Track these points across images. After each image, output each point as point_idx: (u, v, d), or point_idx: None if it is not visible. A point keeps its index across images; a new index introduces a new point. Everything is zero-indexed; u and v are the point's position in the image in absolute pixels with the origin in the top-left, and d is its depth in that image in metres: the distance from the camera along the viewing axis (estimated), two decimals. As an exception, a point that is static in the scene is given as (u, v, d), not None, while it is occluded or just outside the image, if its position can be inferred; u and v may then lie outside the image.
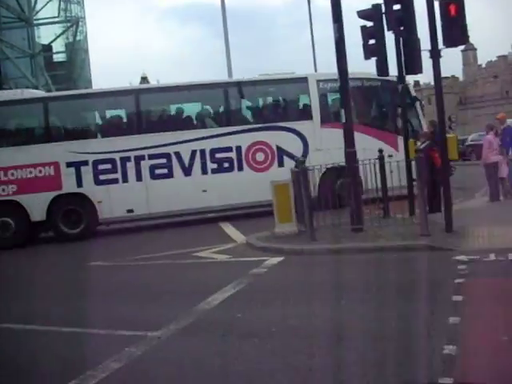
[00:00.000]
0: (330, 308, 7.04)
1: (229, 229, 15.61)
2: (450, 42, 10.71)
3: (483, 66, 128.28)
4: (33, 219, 15.86)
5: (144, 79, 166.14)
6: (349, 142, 11.74)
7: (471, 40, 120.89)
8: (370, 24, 12.49)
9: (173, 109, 17.54)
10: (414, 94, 18.08)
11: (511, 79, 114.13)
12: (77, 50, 48.06)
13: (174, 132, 16.62)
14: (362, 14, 12.63)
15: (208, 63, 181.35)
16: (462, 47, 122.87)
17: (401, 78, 12.92)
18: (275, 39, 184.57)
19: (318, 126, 16.98)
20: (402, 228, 11.40)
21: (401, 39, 12.13)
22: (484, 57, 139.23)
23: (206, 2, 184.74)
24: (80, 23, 47.47)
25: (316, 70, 30.45)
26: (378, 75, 12.77)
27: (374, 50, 12.43)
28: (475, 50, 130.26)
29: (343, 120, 11.73)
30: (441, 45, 10.72)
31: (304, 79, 17.34)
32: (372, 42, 12.47)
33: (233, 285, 8.58)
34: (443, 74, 11.69)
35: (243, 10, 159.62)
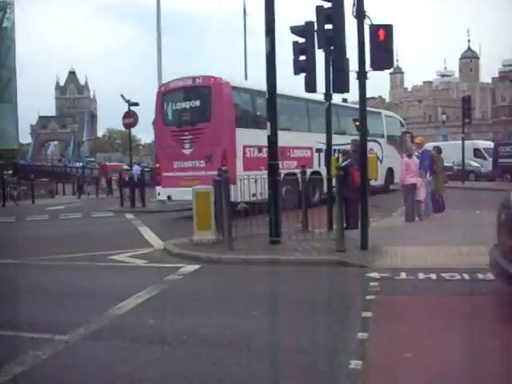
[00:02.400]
0: (241, 319, 7.05)
1: (147, 233, 15.45)
2: (376, 66, 11.03)
3: (409, 89, 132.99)
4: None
5: (72, 74, 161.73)
6: (272, 154, 11.86)
7: (400, 64, 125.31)
8: (302, 40, 12.71)
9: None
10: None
11: (434, 104, 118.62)
12: (2, 38, 46.52)
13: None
14: (295, 30, 12.83)
15: (139, 63, 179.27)
16: (390, 70, 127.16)
17: (328, 95, 13.18)
18: (208, 45, 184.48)
19: (385, 142, 27.68)
20: (319, 243, 11.60)
21: (330, 58, 12.40)
22: (411, 81, 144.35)
23: (140, 2, 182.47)
24: (8, 10, 45.97)
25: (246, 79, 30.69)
26: (306, 91, 12.97)
27: (304, 66, 12.65)
28: (403, 73, 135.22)
29: (269, 133, 11.81)
30: (368, 67, 11.04)
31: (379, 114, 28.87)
32: (303, 58, 12.68)
33: (147, 290, 8.45)
34: (372, 94, 12.15)
35: (179, 13, 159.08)
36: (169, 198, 18.35)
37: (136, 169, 37.17)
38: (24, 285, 9.59)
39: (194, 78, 18.03)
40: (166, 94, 18.75)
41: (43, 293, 8.95)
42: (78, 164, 78.88)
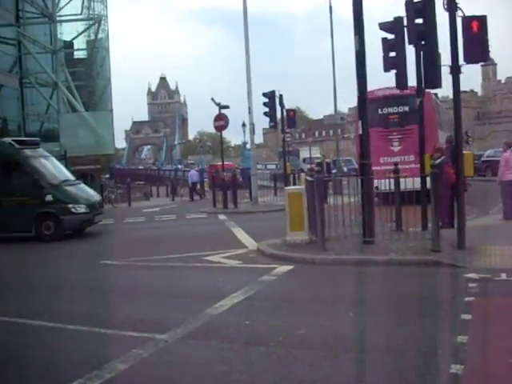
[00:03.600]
0: (336, 320, 7.03)
1: (241, 234, 15.65)
2: (470, 59, 10.68)
3: (503, 81, 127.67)
4: None
5: (163, 79, 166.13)
6: (365, 154, 11.74)
7: (492, 55, 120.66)
8: (391, 36, 12.49)
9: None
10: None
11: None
12: (98, 48, 48.47)
13: None
14: (384, 27, 12.61)
15: (227, 66, 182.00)
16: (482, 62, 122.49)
17: (420, 91, 12.89)
18: (295, 45, 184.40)
19: None
20: (414, 242, 11.36)
21: (421, 53, 12.12)
22: (504, 72, 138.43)
23: (227, 6, 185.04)
24: (102, 22, 47.86)
25: (335, 78, 30.54)
26: (397, 88, 12.73)
27: (394, 63, 12.41)
28: (495, 65, 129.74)
29: (360, 132, 11.71)
30: (461, 61, 10.71)
31: None
32: (392, 54, 12.45)
33: (242, 291, 8.60)
34: (463, 88, 11.67)
35: (265, 15, 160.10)
36: (376, 188, 18.84)
37: (192, 174, 37.71)
38: (124, 285, 10.01)
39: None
40: (372, 100, 18.62)
41: (142, 293, 9.28)
42: (170, 166, 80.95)
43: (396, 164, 13.86)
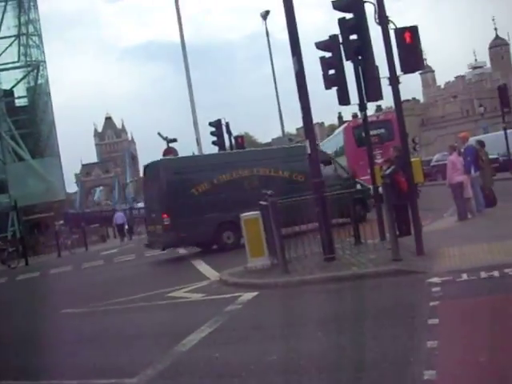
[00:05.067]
0: (306, 341, 6.96)
1: (202, 266, 15.52)
2: (407, 68, 10.95)
3: (442, 86, 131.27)
4: None
5: (108, 119, 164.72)
6: (316, 172, 11.81)
7: (428, 62, 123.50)
8: (328, 54, 12.71)
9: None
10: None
11: (470, 98, 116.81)
12: (39, 94, 47.92)
13: None
14: (320, 46, 12.85)
15: (171, 99, 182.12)
16: (420, 70, 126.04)
17: (362, 105, 13.10)
18: (236, 73, 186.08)
19: None
20: (374, 254, 11.43)
21: (359, 68, 12.36)
22: (442, 78, 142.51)
23: (165, 39, 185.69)
24: (41, 67, 47.40)
25: (279, 101, 30.95)
26: (340, 104, 12.91)
27: (334, 80, 12.62)
28: (433, 71, 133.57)
29: (309, 151, 11.78)
30: (399, 71, 10.96)
31: None
32: (332, 72, 12.66)
33: (208, 324, 8.46)
34: (403, 97, 11.94)
35: (203, 45, 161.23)
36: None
37: (118, 216, 37.75)
38: (88, 333, 9.73)
39: (377, 116, 29.94)
40: (355, 127, 27.16)
41: (108, 339, 9.06)
42: (124, 206, 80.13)
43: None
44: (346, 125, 32.22)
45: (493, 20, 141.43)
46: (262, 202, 12.20)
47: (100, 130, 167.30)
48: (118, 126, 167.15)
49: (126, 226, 38.19)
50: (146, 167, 20.32)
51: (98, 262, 23.28)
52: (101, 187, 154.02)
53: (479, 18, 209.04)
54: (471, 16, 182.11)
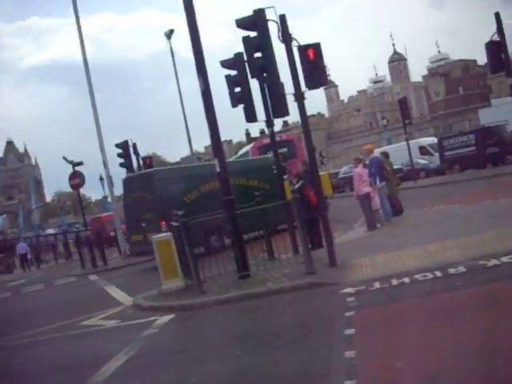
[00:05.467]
0: (225, 361, 6.88)
1: (115, 292, 15.11)
2: (311, 84, 11.17)
3: (346, 101, 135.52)
4: None
5: (10, 143, 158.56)
6: (226, 190, 11.78)
7: (332, 78, 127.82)
8: (234, 72, 12.78)
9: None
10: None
11: (372, 112, 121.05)
12: None
13: None
14: (226, 64, 12.91)
15: (76, 122, 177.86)
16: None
17: (269, 121, 13.23)
18: (141, 92, 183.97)
19: None
20: (288, 268, 11.51)
21: (265, 85, 12.48)
22: (346, 92, 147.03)
23: (68, 61, 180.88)
24: None
25: (186, 120, 30.88)
26: (247, 121, 12.99)
27: (241, 98, 12.70)
28: (336, 86, 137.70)
29: (218, 170, 11.74)
30: (304, 87, 11.15)
31: None
32: (238, 89, 12.73)
33: (125, 351, 8.18)
34: (309, 112, 12.17)
35: (107, 64, 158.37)
36: None
37: (21, 246, 36.87)
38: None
39: (280, 136, 30.31)
40: (261, 147, 29.60)
41: (18, 377, 8.58)
42: (30, 234, 77.18)
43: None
44: (252, 145, 33.34)
45: (391, 36, 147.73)
46: (172, 223, 12.04)
47: (1, 154, 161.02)
48: (21, 150, 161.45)
49: (29, 256, 36.75)
50: (130, 179, 21.37)
51: (4, 294, 22.21)
52: (4, 215, 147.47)
53: (378, 34, 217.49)
54: (371, 32, 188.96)
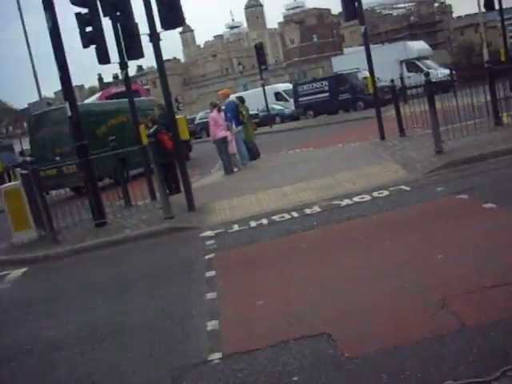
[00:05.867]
0: (84, 312, 6.65)
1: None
2: (167, 25, 10.80)
3: (202, 46, 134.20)
4: None
5: None
6: (78, 136, 11.23)
7: (188, 22, 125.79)
8: (85, 11, 12.05)
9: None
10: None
11: (229, 57, 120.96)
12: None
13: None
14: (76, 1, 12.11)
15: None
16: (180, 29, 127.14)
17: (123, 64, 12.70)
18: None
19: None
20: (146, 214, 11.32)
21: (118, 25, 11.92)
22: (202, 37, 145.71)
23: None
24: None
25: (33, 63, 28.98)
26: (100, 63, 12.37)
27: (93, 38, 12.04)
28: (192, 31, 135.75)
29: (68, 113, 11.12)
30: (159, 28, 10.77)
31: None
32: (89, 29, 12.05)
33: (-26, 309, 7.68)
34: (165, 57, 11.80)
35: None
36: None
37: None
38: None
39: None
40: (108, 96, 26.92)
41: None
42: None
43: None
44: (99, 95, 32.38)
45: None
46: (22, 171, 11.33)
47: None
48: None
49: None
50: (40, 115, 21.00)
51: None
52: None
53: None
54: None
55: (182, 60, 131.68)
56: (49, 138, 19.55)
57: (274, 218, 9.24)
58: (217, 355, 4.59)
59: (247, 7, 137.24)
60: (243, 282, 6.43)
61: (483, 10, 26.33)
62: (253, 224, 9.18)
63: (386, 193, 9.41)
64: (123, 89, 16.76)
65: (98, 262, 9.30)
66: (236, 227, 9.23)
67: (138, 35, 11.74)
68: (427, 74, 11.84)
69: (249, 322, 5.24)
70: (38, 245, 10.95)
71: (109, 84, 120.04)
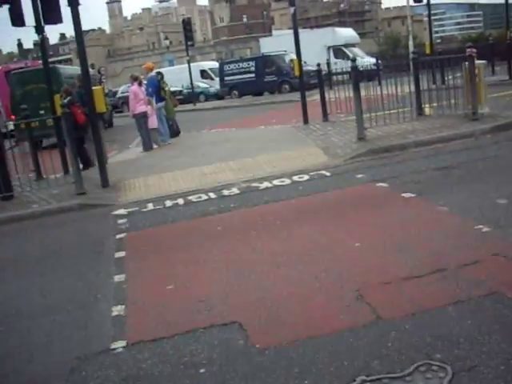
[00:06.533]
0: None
1: None
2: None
3: (129, 18, 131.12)
4: None
5: None
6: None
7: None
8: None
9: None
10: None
11: (156, 31, 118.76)
12: None
13: None
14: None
15: None
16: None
17: (40, 28, 11.97)
18: None
19: None
20: (57, 189, 10.75)
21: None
22: (129, 10, 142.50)
23: None
24: None
25: None
26: (13, 25, 11.63)
27: (6, -3, 11.30)
28: (119, 1, 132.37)
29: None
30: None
31: None
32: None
33: None
34: (90, 27, 11.30)
35: None
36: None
37: None
38: None
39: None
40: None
41: None
42: None
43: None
44: None
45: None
46: None
47: None
48: None
49: None
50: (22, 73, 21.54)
51: None
52: None
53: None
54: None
55: (108, 31, 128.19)
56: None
57: (190, 198, 8.95)
58: (120, 343, 4.30)
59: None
60: (154, 265, 6.12)
61: (411, 3, 26.68)
62: (168, 203, 8.86)
63: (306, 177, 9.30)
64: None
65: (1, 239, 8.70)
66: (150, 206, 8.88)
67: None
68: (354, 60, 11.78)
69: (157, 308, 4.94)
70: None
71: (29, 51, 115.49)
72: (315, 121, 15.06)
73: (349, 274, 4.99)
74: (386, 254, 5.39)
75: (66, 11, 10.81)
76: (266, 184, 9.19)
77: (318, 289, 4.80)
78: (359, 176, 8.85)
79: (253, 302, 4.74)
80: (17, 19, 11.48)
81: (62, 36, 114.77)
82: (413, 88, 12.65)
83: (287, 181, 9.23)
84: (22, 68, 25.55)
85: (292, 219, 7.07)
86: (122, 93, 38.30)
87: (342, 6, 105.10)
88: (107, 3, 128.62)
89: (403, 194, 7.26)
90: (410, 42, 28.59)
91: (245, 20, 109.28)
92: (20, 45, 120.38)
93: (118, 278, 5.77)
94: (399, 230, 6.01)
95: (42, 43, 12.44)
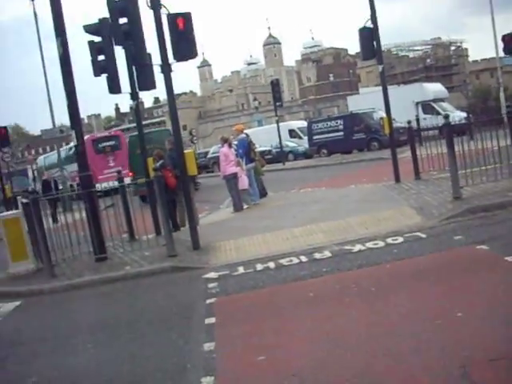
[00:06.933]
0: (74, 355, 6.20)
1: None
2: (179, 56, 10.48)
3: (219, 80, 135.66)
4: None
5: None
6: (83, 166, 10.88)
7: (206, 57, 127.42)
8: (98, 39, 11.86)
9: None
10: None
11: (245, 92, 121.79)
12: None
13: None
14: (89, 29, 11.97)
15: None
16: (198, 64, 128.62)
17: (134, 94, 12.42)
18: (6, 58, 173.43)
19: None
20: (149, 251, 10.88)
21: (130, 54, 11.67)
22: (219, 73, 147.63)
23: None
24: None
25: (48, 89, 28.78)
26: (110, 92, 12.11)
27: (104, 66, 11.84)
28: (210, 65, 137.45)
29: (75, 142, 10.83)
30: (171, 59, 10.46)
31: None
32: (101, 57, 11.83)
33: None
34: (182, 90, 11.63)
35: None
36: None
37: None
38: None
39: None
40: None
41: None
42: None
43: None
44: (85, 138, 34.31)
45: (266, 19, 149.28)
46: (23, 200, 10.96)
47: None
48: None
49: None
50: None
51: None
52: None
53: (254, 17, 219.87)
54: (247, 14, 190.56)
55: (199, 93, 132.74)
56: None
57: (281, 261, 8.76)
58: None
59: (265, 44, 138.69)
60: (244, 333, 5.93)
61: (501, 54, 26.03)
62: (259, 267, 8.69)
63: (400, 239, 8.91)
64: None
65: (95, 300, 8.80)
66: (241, 270, 8.74)
67: (150, 65, 11.45)
68: (447, 116, 11.44)
69: (248, 381, 4.74)
70: (34, 277, 10.51)
71: (125, 114, 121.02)
72: (407, 179, 14.65)
73: (452, 348, 4.63)
74: (492, 325, 4.98)
75: (159, 76, 11.17)
76: (358, 247, 8.89)
77: (420, 365, 4.46)
78: (457, 238, 8.39)
79: (349, 379, 4.45)
80: (114, 87, 11.94)
81: (156, 99, 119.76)
82: (509, 141, 12.07)
83: (381, 243, 8.88)
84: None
85: (387, 285, 6.74)
86: (213, 153, 39.08)
87: (428, 61, 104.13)
88: (198, 67, 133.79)
89: (507, 258, 6.78)
90: (501, 94, 27.76)
91: (331, 79, 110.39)
92: (117, 109, 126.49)
93: (207, 346, 5.61)
94: (506, 299, 5.57)
95: (137, 108, 12.88)
